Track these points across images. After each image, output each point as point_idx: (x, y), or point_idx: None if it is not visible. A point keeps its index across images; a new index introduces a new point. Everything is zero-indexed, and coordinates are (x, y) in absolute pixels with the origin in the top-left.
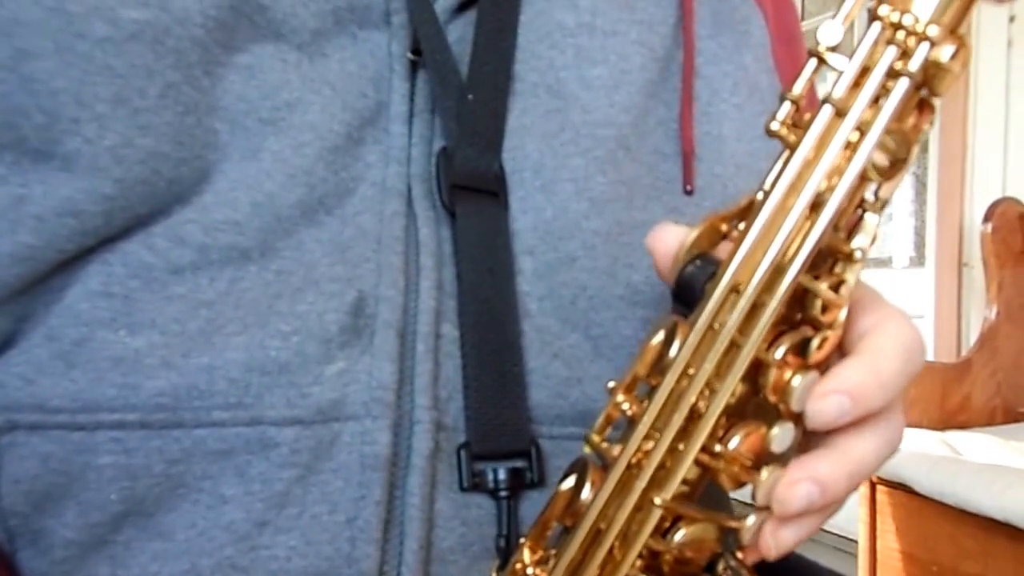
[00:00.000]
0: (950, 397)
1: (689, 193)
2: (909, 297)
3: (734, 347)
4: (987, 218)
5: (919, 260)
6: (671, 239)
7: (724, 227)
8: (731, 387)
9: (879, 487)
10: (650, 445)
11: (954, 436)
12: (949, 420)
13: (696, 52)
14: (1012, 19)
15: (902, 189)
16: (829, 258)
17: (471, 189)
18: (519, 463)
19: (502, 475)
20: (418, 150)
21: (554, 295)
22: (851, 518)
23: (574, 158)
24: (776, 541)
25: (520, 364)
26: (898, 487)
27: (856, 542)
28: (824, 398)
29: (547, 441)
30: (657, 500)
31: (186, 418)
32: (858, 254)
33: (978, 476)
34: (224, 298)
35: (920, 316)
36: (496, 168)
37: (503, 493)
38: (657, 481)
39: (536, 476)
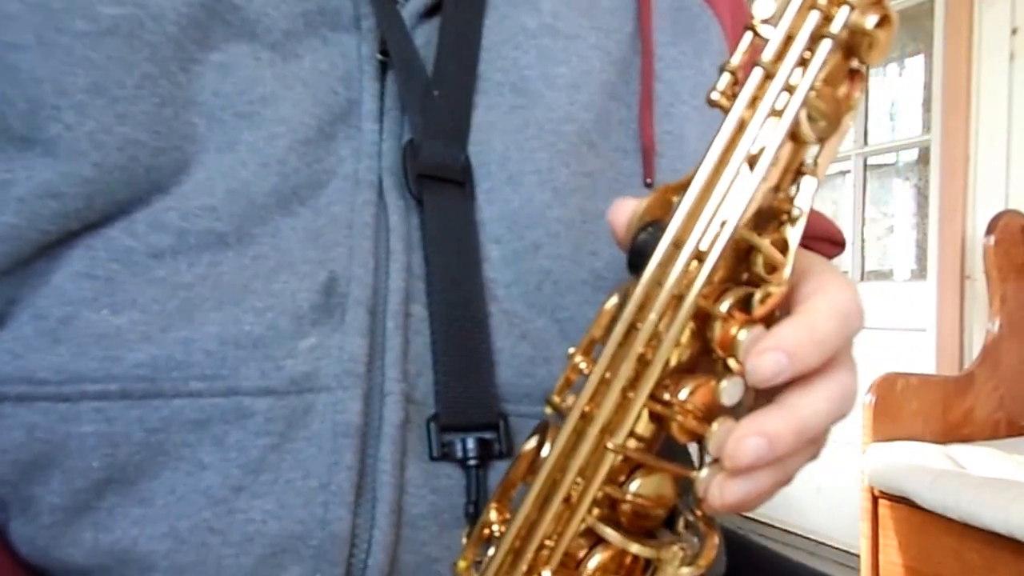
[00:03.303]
0: (953, 410)
1: (649, 186)
2: (911, 310)
3: (678, 299)
4: (990, 230)
5: (921, 273)
6: (628, 211)
7: (675, 198)
8: (676, 334)
9: (881, 501)
10: (602, 395)
11: (957, 449)
12: (952, 433)
13: (657, 58)
14: (1015, 32)
15: (904, 202)
16: (773, 220)
17: (438, 179)
18: (487, 435)
19: (471, 445)
20: (388, 145)
21: (521, 281)
22: (853, 532)
23: (538, 151)
24: (722, 493)
25: (487, 342)
26: (901, 501)
27: (858, 556)
28: (761, 355)
29: (515, 419)
30: (610, 444)
31: (165, 388)
32: (796, 211)
33: (981, 490)
34: (202, 280)
35: (922, 329)
36: (462, 160)
37: (472, 462)
38: (610, 428)
39: (504, 447)
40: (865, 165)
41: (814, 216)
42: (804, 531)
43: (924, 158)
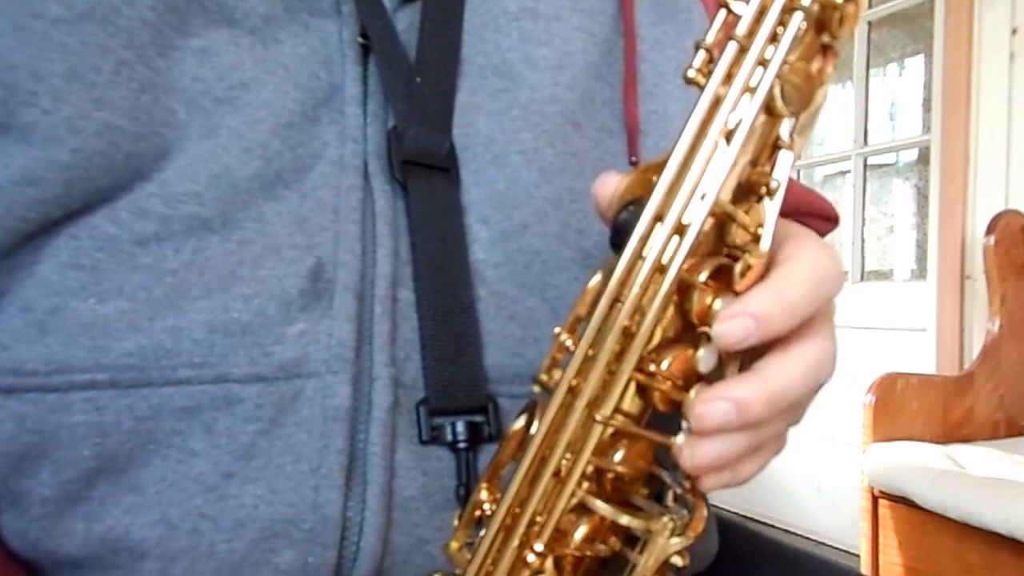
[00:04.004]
0: (953, 410)
1: (634, 165)
2: (911, 310)
3: (660, 272)
4: (990, 230)
5: (921, 273)
6: (612, 185)
7: (655, 178)
8: (658, 306)
9: (881, 501)
10: (588, 369)
11: (957, 450)
12: (952, 433)
13: (640, 39)
14: (1015, 32)
15: (904, 202)
16: (752, 193)
17: (423, 165)
18: (477, 418)
19: (460, 428)
20: (373, 128)
21: (509, 261)
22: (853, 532)
23: (523, 132)
24: (692, 455)
25: (475, 325)
26: (901, 501)
27: (858, 556)
28: (729, 320)
29: (506, 400)
30: (598, 416)
31: (154, 377)
32: (774, 184)
33: (981, 490)
34: (188, 266)
35: (922, 329)
36: (447, 146)
37: (462, 445)
38: (597, 401)
39: (494, 430)
40: (865, 165)
41: (805, 192)
42: (804, 531)
43: (924, 158)
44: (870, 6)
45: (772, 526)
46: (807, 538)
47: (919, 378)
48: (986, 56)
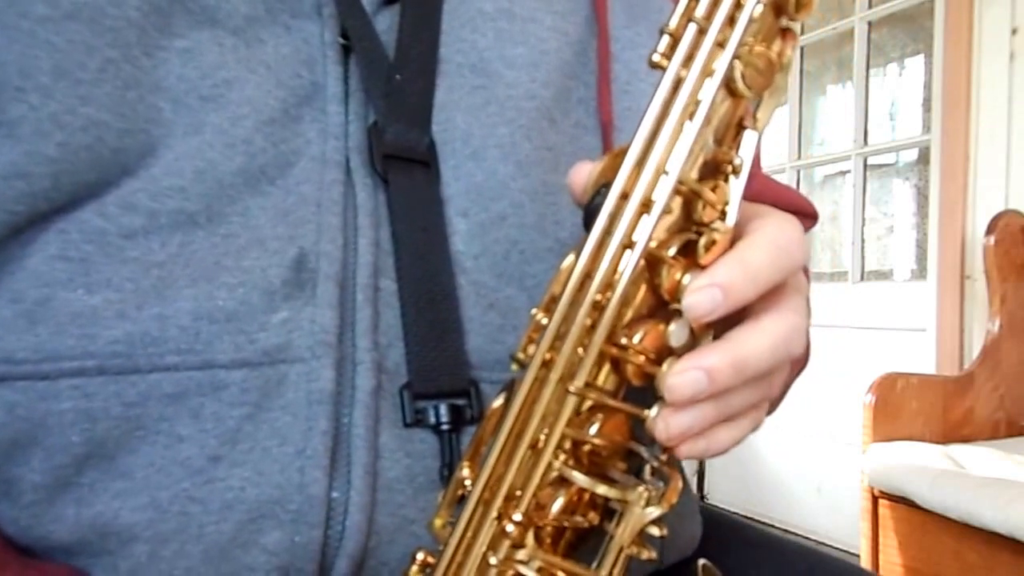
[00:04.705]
0: (953, 410)
1: None
2: (911, 310)
3: (628, 247)
4: (990, 230)
5: (921, 273)
6: (585, 172)
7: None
8: (628, 279)
9: (881, 501)
10: (561, 343)
11: (957, 450)
12: (952, 434)
13: (613, 40)
14: (1015, 32)
15: (904, 202)
16: (718, 172)
17: (403, 160)
18: (459, 401)
19: (443, 411)
20: (355, 126)
21: (488, 252)
22: (853, 532)
23: (500, 127)
24: (667, 426)
25: (456, 312)
26: (901, 501)
27: (858, 556)
28: (697, 292)
29: (488, 386)
30: (571, 388)
31: (141, 363)
32: (738, 160)
33: (981, 490)
34: (174, 259)
35: (922, 329)
36: (426, 141)
37: (444, 427)
38: (570, 373)
39: (476, 413)
40: (865, 165)
41: (783, 190)
42: (804, 531)
43: (924, 158)
44: (870, 6)
45: (772, 526)
46: (807, 538)
47: (919, 378)
48: (986, 56)
